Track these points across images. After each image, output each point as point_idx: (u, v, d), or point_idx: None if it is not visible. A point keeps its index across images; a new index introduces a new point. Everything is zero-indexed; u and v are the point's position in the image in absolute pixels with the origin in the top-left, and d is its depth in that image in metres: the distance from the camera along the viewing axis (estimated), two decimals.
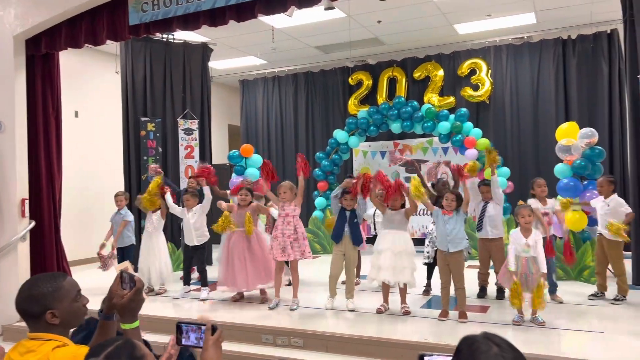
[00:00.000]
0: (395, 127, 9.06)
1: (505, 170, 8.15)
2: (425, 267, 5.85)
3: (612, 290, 5.39)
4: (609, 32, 8.21)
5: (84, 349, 1.69)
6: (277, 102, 11.08)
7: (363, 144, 9.75)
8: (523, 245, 4.58)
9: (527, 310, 4.60)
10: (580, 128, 6.57)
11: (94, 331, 1.96)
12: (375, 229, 6.40)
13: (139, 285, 1.87)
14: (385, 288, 5.14)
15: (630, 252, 5.99)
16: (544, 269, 4.53)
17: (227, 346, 2.50)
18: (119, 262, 6.54)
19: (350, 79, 10.11)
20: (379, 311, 5.05)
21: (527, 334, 4.31)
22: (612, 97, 8.23)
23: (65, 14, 5.47)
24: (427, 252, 5.79)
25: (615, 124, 8.18)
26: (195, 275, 6.48)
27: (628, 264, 5.54)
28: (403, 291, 5.08)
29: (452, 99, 9.17)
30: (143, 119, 8.03)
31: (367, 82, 9.85)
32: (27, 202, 5.70)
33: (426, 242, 5.91)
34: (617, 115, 8.14)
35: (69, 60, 7.98)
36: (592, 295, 5.47)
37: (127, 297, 1.84)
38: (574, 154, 6.40)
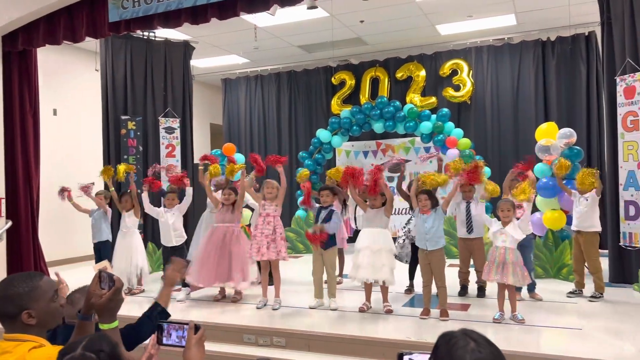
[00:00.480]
0: (378, 127, 9.09)
1: (486, 169, 8.23)
2: (407, 266, 5.87)
3: (589, 287, 5.49)
4: (586, 34, 8.35)
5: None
6: (260, 101, 11.04)
7: (346, 143, 9.77)
8: (500, 235, 4.66)
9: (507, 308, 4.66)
10: (559, 128, 6.68)
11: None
12: (356, 224, 6.38)
13: (118, 284, 1.85)
14: (367, 287, 5.16)
15: (606, 251, 6.11)
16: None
17: (208, 346, 2.47)
18: (96, 261, 6.46)
19: (333, 79, 10.11)
20: (361, 310, 5.07)
21: (507, 332, 4.37)
22: (590, 98, 8.37)
23: (43, 10, 5.38)
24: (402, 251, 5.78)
25: (593, 124, 8.32)
26: None
27: (605, 262, 5.63)
28: (384, 290, 5.09)
29: (433, 99, 9.23)
30: (123, 117, 7.93)
31: (350, 81, 9.87)
32: (3, 201, 5.60)
33: (399, 240, 5.90)
34: (595, 116, 8.28)
35: (47, 57, 7.84)
36: (570, 292, 5.56)
37: (105, 296, 1.81)
38: (553, 154, 6.50)
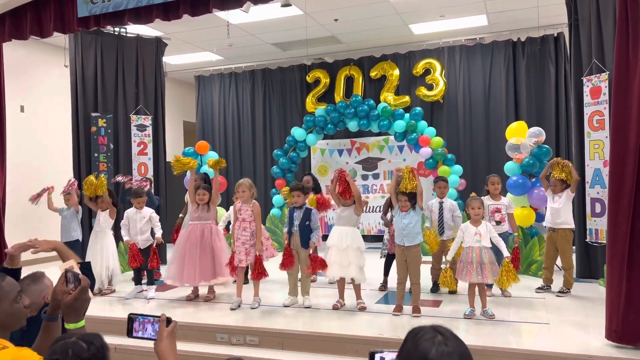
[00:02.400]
0: (352, 126, 9.13)
1: (458, 167, 8.37)
2: (383, 263, 5.94)
3: (557, 283, 5.62)
4: (555, 35, 8.53)
5: (25, 352, 1.63)
6: (234, 99, 10.96)
7: (321, 141, 9.79)
8: (474, 235, 4.72)
9: (477, 303, 4.74)
10: (529, 127, 6.82)
11: None
12: None
13: (84, 283, 1.81)
14: (340, 284, 5.18)
15: (574, 247, 6.26)
16: (506, 253, 4.79)
17: (181, 346, 2.45)
18: (63, 261, 6.32)
19: (307, 77, 10.10)
20: (334, 307, 5.09)
21: (478, 327, 4.44)
22: (559, 98, 8.56)
23: (9, 3, 5.22)
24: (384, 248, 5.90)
25: (561, 123, 8.52)
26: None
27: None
28: (357, 287, 5.13)
29: (407, 98, 9.31)
30: (94, 114, 7.78)
31: (325, 80, 9.88)
32: None
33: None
34: (563, 115, 8.47)
35: (14, 52, 7.65)
36: (539, 288, 5.69)
37: (71, 296, 1.78)
38: (523, 152, 6.63)
